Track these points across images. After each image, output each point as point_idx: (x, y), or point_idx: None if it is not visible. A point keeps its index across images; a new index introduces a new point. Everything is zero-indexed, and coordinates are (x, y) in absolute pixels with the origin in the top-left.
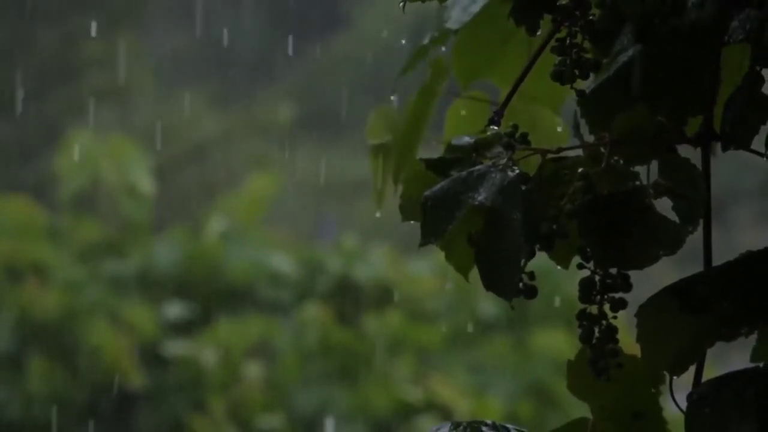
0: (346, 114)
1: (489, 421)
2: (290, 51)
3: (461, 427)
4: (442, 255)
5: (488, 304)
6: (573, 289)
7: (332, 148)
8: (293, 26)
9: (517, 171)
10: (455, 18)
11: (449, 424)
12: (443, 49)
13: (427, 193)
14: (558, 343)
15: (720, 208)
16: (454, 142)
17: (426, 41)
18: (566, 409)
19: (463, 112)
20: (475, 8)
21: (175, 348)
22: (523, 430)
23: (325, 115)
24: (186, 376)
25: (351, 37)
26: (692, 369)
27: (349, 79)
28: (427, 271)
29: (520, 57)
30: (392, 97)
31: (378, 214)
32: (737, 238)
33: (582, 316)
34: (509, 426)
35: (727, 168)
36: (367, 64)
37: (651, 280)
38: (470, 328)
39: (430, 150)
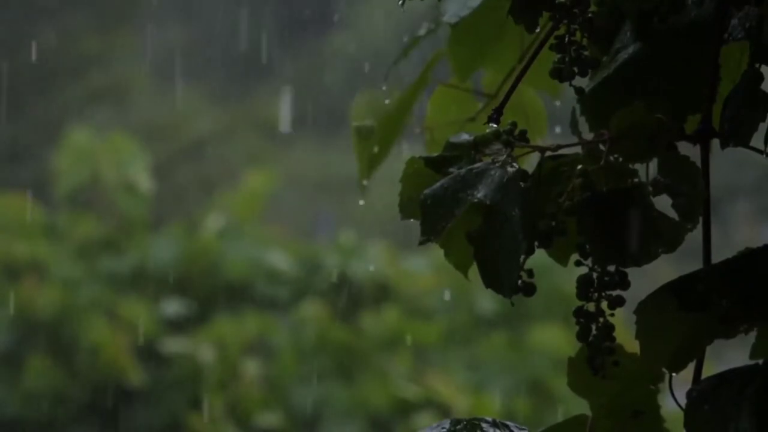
0: (343, 111)
1: (489, 419)
2: (288, 48)
3: (461, 425)
4: (439, 252)
5: (486, 301)
6: (570, 286)
7: (329, 145)
8: (290, 23)
9: (516, 168)
10: (453, 12)
11: (449, 422)
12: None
13: (426, 191)
14: (555, 339)
15: (717, 204)
16: (453, 139)
17: (421, 32)
18: (564, 406)
19: (447, 99)
20: (474, 3)
21: (173, 345)
22: (523, 428)
23: (322, 112)
24: (184, 373)
25: (348, 34)
26: (692, 366)
27: (346, 76)
28: (424, 268)
29: (515, 46)
30: (383, 87)
31: (361, 202)
32: (735, 234)
33: (579, 313)
34: (509, 423)
35: (725, 165)
36: (364, 61)
37: (650, 277)
38: (468, 324)
39: (415, 137)
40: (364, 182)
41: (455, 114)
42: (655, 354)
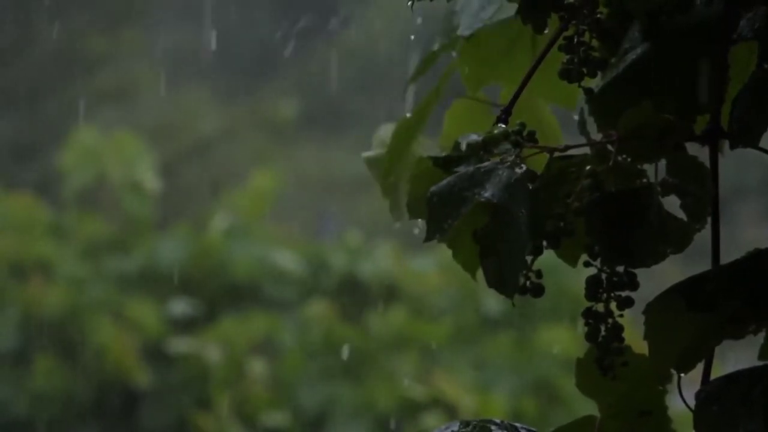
0: (349, 110)
1: (498, 420)
2: (294, 47)
3: (470, 427)
4: (446, 251)
5: (492, 301)
6: (577, 286)
7: (335, 145)
8: (297, 23)
9: (525, 168)
10: (466, 24)
11: (458, 424)
12: (453, 54)
13: (433, 188)
14: (562, 339)
15: (725, 204)
16: (461, 139)
17: (436, 47)
18: (570, 406)
19: (464, 113)
20: (487, 14)
21: (180, 345)
22: (532, 429)
23: (328, 111)
24: (190, 373)
25: (354, 34)
26: (700, 367)
27: (351, 75)
28: (431, 268)
29: (527, 59)
30: (407, 114)
31: (398, 225)
32: (741, 234)
33: (588, 314)
34: (518, 425)
35: (731, 165)
36: (370, 61)
37: (657, 277)
38: (474, 324)
39: (431, 151)
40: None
41: (473, 127)
42: (663, 355)
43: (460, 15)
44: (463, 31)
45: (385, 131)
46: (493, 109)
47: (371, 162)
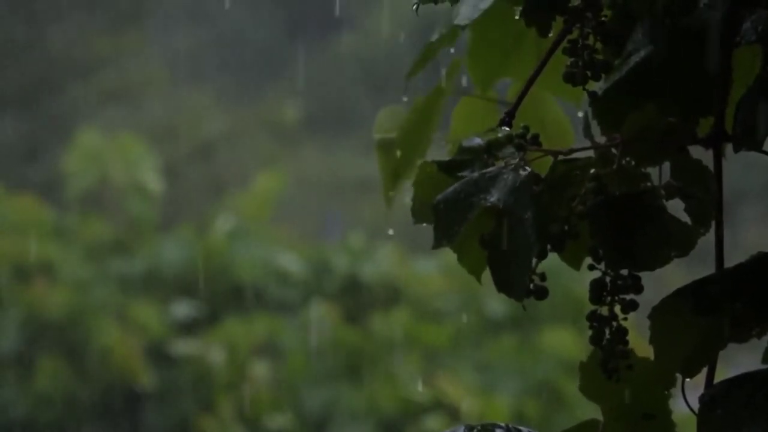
0: (353, 112)
1: (502, 424)
2: (298, 49)
3: (475, 431)
4: (449, 254)
5: (495, 303)
6: (580, 288)
7: (339, 147)
8: (301, 25)
9: (529, 172)
10: (464, 14)
11: (463, 427)
12: (452, 50)
13: (439, 195)
14: (565, 342)
15: (727, 207)
16: (465, 143)
17: (434, 38)
18: (573, 408)
19: (471, 111)
20: (485, 5)
21: (183, 347)
22: None
23: (332, 113)
24: (193, 375)
25: (358, 36)
26: (703, 370)
27: (356, 77)
28: (434, 270)
29: (534, 55)
30: (404, 98)
31: (390, 231)
32: (743, 237)
33: (593, 317)
34: (522, 428)
35: (733, 167)
36: (374, 62)
37: (661, 281)
38: (477, 327)
39: (437, 149)
40: (390, 194)
41: (480, 125)
42: (669, 358)
43: (459, 6)
44: (461, 20)
45: (385, 116)
46: (500, 107)
47: (381, 144)
